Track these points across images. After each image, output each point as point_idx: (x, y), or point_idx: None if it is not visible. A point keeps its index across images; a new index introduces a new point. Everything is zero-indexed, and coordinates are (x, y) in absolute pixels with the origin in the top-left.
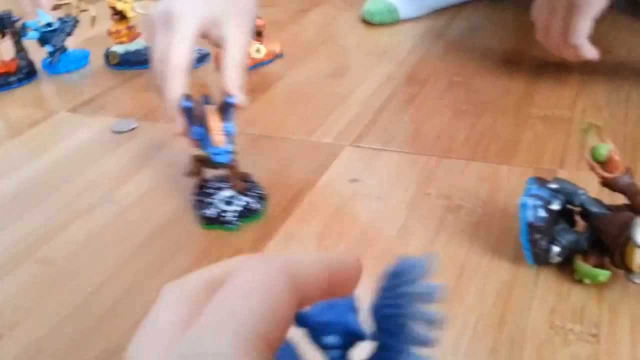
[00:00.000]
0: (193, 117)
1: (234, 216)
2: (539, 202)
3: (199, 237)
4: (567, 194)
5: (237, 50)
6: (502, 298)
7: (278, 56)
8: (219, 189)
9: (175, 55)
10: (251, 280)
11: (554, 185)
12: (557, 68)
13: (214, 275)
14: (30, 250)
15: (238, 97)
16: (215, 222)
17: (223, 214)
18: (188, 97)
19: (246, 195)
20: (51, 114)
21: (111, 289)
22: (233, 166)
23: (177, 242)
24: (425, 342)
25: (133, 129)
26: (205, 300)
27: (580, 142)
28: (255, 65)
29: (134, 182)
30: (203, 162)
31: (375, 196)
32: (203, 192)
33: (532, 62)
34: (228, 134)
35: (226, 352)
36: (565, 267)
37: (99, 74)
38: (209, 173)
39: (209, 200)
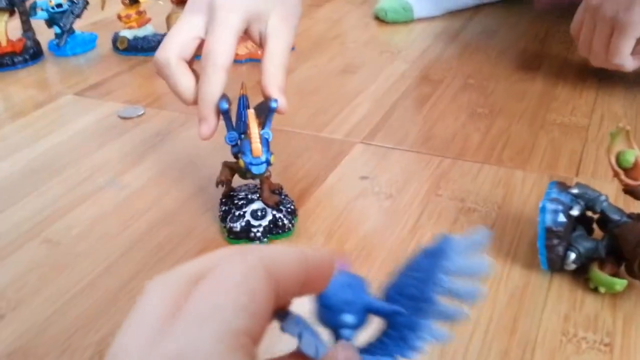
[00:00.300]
0: (229, 120)
1: (262, 232)
2: (559, 207)
3: (204, 226)
4: (588, 200)
5: (279, 47)
6: (514, 302)
7: None
8: (250, 201)
9: (218, 50)
10: (232, 275)
11: (575, 191)
12: (575, 76)
13: (197, 270)
14: (35, 231)
15: (280, 100)
16: (242, 236)
17: (251, 229)
18: (226, 98)
19: (276, 209)
20: (56, 97)
21: (116, 273)
22: (267, 177)
23: (182, 230)
24: (451, 317)
25: (140, 115)
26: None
27: (607, 147)
28: None
29: (140, 168)
30: (235, 170)
31: (385, 194)
32: (232, 203)
33: (549, 68)
34: (267, 142)
35: (212, 348)
36: (579, 274)
37: (105, 59)
38: (238, 181)
39: (238, 212)
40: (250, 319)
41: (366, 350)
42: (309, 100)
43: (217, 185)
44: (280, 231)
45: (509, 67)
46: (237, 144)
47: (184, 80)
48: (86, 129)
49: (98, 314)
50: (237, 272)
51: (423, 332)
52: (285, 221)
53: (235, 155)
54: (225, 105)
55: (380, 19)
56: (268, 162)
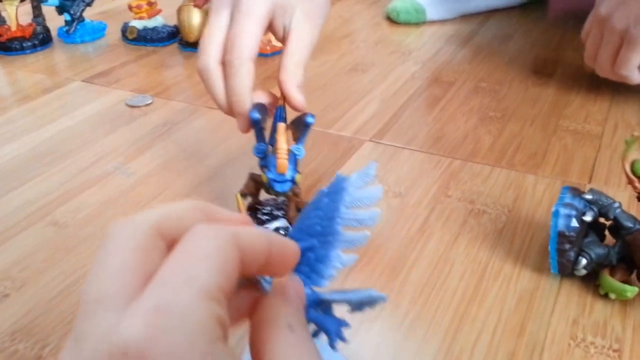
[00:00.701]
0: (260, 131)
1: None
2: (572, 212)
3: None
4: (602, 206)
5: (301, 44)
6: (523, 305)
7: None
8: (275, 217)
9: (243, 41)
10: (208, 244)
11: (588, 196)
12: (589, 83)
13: (163, 221)
14: (41, 213)
15: (297, 98)
16: None
17: None
18: (261, 107)
19: None
20: (64, 83)
21: None
22: (295, 195)
23: None
24: (356, 243)
25: (148, 104)
26: (155, 247)
27: (622, 154)
28: (274, 53)
29: (147, 156)
30: (260, 184)
31: (394, 193)
32: (255, 217)
33: (563, 75)
34: (295, 159)
35: (190, 301)
36: (589, 280)
37: (114, 48)
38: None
39: (262, 228)
40: (223, 281)
41: None
42: (318, 97)
43: (241, 196)
44: None
45: (522, 72)
46: (264, 157)
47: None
48: (94, 115)
49: None
50: (213, 243)
51: (332, 261)
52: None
53: (262, 169)
54: (256, 115)
55: (391, 20)
56: (293, 181)
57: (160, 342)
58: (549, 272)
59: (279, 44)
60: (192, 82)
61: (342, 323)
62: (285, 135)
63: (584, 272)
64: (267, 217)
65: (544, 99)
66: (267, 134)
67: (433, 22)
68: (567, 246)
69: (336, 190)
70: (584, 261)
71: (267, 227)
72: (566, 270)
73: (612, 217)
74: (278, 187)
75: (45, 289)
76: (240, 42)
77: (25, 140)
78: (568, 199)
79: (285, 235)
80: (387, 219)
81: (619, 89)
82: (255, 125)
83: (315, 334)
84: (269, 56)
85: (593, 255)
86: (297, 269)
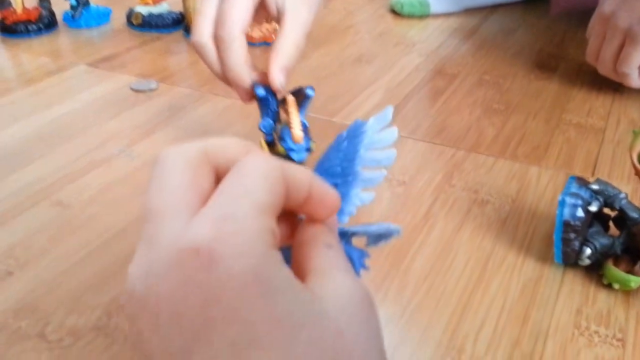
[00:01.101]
0: (266, 107)
1: None
2: (578, 202)
3: None
4: (608, 197)
5: (293, 26)
6: (527, 294)
7: None
8: None
9: (234, 16)
10: (262, 167)
11: (595, 186)
12: (592, 79)
13: (210, 149)
14: (45, 194)
15: (278, 78)
16: None
17: None
18: (264, 85)
19: None
20: (69, 66)
21: (128, 238)
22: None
23: None
24: (374, 182)
25: (153, 89)
26: (205, 170)
27: (630, 145)
28: None
29: (152, 140)
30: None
31: (398, 181)
32: None
33: (566, 70)
34: (306, 129)
35: (249, 212)
36: (592, 271)
37: (119, 33)
38: None
39: None
40: (274, 200)
41: None
42: (322, 86)
43: None
44: None
45: (525, 66)
46: (271, 133)
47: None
48: (98, 99)
49: (108, 277)
50: (265, 169)
51: (352, 199)
52: None
53: (269, 144)
54: (262, 92)
55: (395, 12)
56: (309, 149)
57: (226, 242)
58: (552, 262)
59: None
60: (197, 69)
61: (364, 253)
62: (296, 107)
63: (587, 262)
64: None
65: (547, 93)
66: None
67: (437, 15)
68: (572, 235)
69: (355, 133)
70: (588, 251)
71: None
72: (570, 260)
73: (617, 207)
74: (296, 157)
75: (49, 267)
76: (230, 17)
77: (29, 122)
78: (574, 188)
79: None
80: (391, 206)
81: (622, 85)
82: (261, 102)
83: None
84: None
85: (597, 245)
86: None
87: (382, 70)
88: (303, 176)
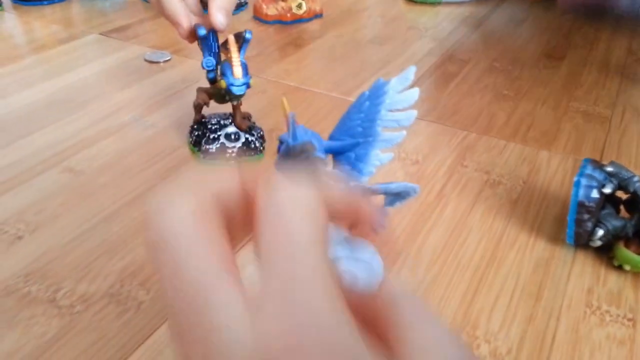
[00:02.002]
0: (207, 46)
1: (236, 153)
2: (593, 183)
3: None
4: (622, 179)
5: None
6: (539, 273)
7: (317, 16)
8: (224, 126)
9: None
10: (300, 206)
11: (609, 169)
12: (598, 69)
13: (223, 189)
14: (56, 159)
15: (220, 19)
16: (217, 157)
17: (226, 151)
18: (202, 25)
19: (249, 133)
20: (81, 35)
21: (141, 205)
22: (239, 105)
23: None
24: (393, 142)
25: (166, 60)
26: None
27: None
28: (294, 21)
29: (165, 111)
30: (210, 94)
31: (412, 161)
32: (205, 128)
33: (573, 60)
34: (246, 67)
35: (321, 305)
36: (601, 252)
37: (131, 5)
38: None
39: (213, 136)
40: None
41: None
42: (336, 66)
43: (194, 107)
44: (252, 153)
45: (534, 55)
46: (213, 70)
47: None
48: (111, 68)
49: (121, 244)
50: (304, 203)
51: (372, 160)
52: (257, 144)
53: (211, 81)
54: (203, 31)
55: None
56: (247, 85)
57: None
58: (563, 243)
59: (299, 12)
60: None
61: (383, 211)
62: (236, 45)
63: (599, 243)
64: (216, 127)
65: (555, 81)
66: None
67: (448, 3)
68: (586, 216)
69: (377, 94)
70: (600, 232)
71: (219, 135)
72: (582, 241)
73: (631, 190)
74: (236, 90)
75: (61, 233)
76: None
77: (41, 88)
78: (589, 170)
79: (236, 139)
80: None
81: (627, 76)
82: (203, 41)
83: None
84: (289, 24)
85: (610, 227)
86: (339, 167)
87: (395, 53)
88: (343, 200)
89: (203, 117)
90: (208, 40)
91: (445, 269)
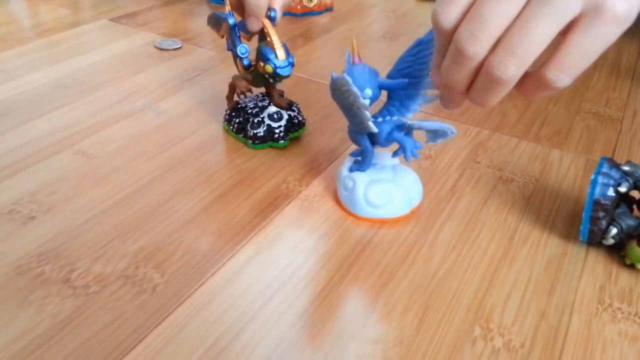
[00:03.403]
0: (237, 34)
1: (283, 132)
2: (610, 181)
3: (243, 159)
4: (638, 179)
5: None
6: (551, 269)
7: (328, 9)
8: (263, 107)
9: None
10: None
11: (626, 168)
12: (609, 71)
13: None
14: (69, 142)
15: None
16: (267, 140)
17: (274, 131)
18: (232, 13)
19: (289, 109)
20: (90, 20)
21: (154, 190)
22: (274, 85)
23: (221, 160)
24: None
25: (177, 48)
26: None
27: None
28: (305, 14)
29: (177, 98)
30: (249, 80)
31: (424, 155)
32: (245, 113)
33: None
34: (285, 47)
35: None
36: (613, 251)
37: None
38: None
39: (257, 119)
40: None
41: (376, 116)
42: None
43: (239, 95)
44: (297, 127)
45: (545, 53)
46: (247, 56)
47: None
48: (122, 53)
49: (135, 226)
50: None
51: (418, 99)
52: (300, 118)
53: (246, 67)
54: (233, 20)
55: None
56: (292, 64)
57: None
58: (575, 241)
59: (310, 5)
60: None
61: (417, 144)
62: (273, 28)
63: (612, 241)
64: (256, 110)
65: None
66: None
67: None
68: (601, 214)
69: (427, 40)
70: (614, 230)
71: (263, 117)
72: (595, 239)
73: None
74: (284, 72)
75: (74, 215)
76: None
77: (50, 71)
78: (606, 168)
79: (279, 117)
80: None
81: (638, 80)
82: (233, 29)
83: (395, 153)
84: (299, 16)
85: (624, 226)
86: (390, 103)
87: (406, 48)
88: None
89: (237, 103)
90: (236, 28)
91: (460, 262)
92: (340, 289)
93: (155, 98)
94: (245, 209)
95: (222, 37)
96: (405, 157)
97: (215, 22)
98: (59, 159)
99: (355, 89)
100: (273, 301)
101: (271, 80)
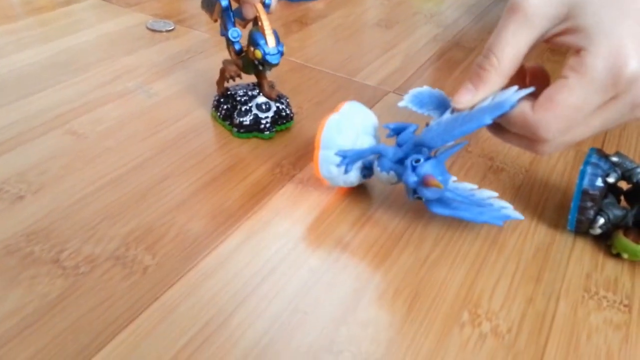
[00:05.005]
0: (230, 17)
1: (270, 123)
2: (598, 172)
3: (236, 143)
4: (626, 170)
5: None
6: (539, 257)
7: None
8: (253, 97)
9: None
10: None
11: (614, 159)
12: None
13: None
14: (59, 122)
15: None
16: (252, 129)
17: (260, 121)
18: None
19: (279, 102)
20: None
21: (145, 172)
22: (264, 75)
23: (213, 144)
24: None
25: (170, 30)
26: None
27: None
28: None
29: (169, 80)
30: (238, 65)
31: None
32: (234, 100)
33: None
34: (276, 34)
35: None
36: (600, 240)
37: None
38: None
39: (245, 108)
40: None
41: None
42: (342, 46)
43: (227, 80)
44: (284, 121)
45: (537, 48)
46: (239, 41)
47: None
48: (112, 33)
49: (126, 208)
50: None
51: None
52: (288, 111)
53: (237, 52)
54: (226, 2)
55: None
56: (282, 52)
57: None
58: (563, 229)
59: None
60: None
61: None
62: (266, 14)
63: (599, 231)
64: (245, 98)
65: (558, 74)
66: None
67: None
68: (589, 204)
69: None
70: (601, 220)
71: (251, 106)
72: (582, 228)
73: (634, 180)
74: (272, 59)
75: (64, 195)
76: None
77: (40, 50)
78: (595, 159)
79: (268, 108)
80: None
81: None
82: (225, 12)
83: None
84: (294, 1)
85: (611, 216)
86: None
87: (401, 37)
88: None
89: (227, 89)
90: (229, 11)
91: (449, 249)
92: (331, 273)
93: (146, 80)
94: (238, 192)
95: (215, 21)
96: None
97: (209, 4)
98: (48, 139)
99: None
100: (264, 285)
101: (260, 67)
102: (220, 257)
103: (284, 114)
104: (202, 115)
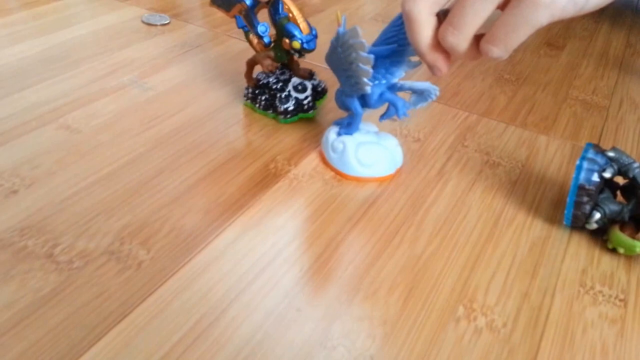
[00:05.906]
0: (255, 15)
1: (311, 101)
2: (594, 167)
3: (230, 138)
4: (622, 165)
5: None
6: (535, 251)
7: None
8: (286, 80)
9: None
10: None
11: (611, 154)
12: (597, 60)
13: None
14: (52, 116)
15: None
16: (297, 112)
17: (302, 103)
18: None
19: (312, 79)
20: None
21: (139, 167)
22: (293, 57)
23: (208, 139)
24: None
25: (165, 24)
26: None
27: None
28: None
29: (165, 74)
30: (272, 57)
31: (414, 138)
32: (269, 89)
33: (573, 49)
34: (307, 21)
35: None
36: (596, 235)
37: None
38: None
39: (284, 94)
40: None
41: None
42: None
43: (269, 72)
44: (321, 95)
45: (535, 41)
46: (265, 35)
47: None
48: (107, 27)
49: (120, 203)
50: None
51: (403, 65)
52: (323, 85)
53: (267, 45)
54: (250, 1)
55: None
56: (316, 36)
57: None
58: (559, 225)
59: None
60: (211, 10)
61: (407, 104)
62: (294, 4)
63: (595, 226)
64: (281, 84)
65: (555, 69)
66: None
67: None
68: (585, 199)
69: None
70: (597, 215)
71: (289, 91)
72: (578, 223)
73: (630, 176)
74: (310, 45)
75: (58, 189)
76: None
77: (34, 43)
78: (591, 154)
79: (304, 88)
80: (406, 160)
81: (625, 68)
82: (250, 10)
83: (383, 116)
84: None
85: (607, 211)
86: (376, 70)
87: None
88: None
89: (257, 80)
90: (254, 9)
91: (445, 243)
92: (327, 268)
93: (142, 74)
94: (232, 187)
95: (232, 17)
96: (398, 115)
97: (225, 2)
98: (42, 133)
99: (364, 40)
100: (259, 280)
101: (297, 56)
102: (214, 252)
103: (319, 89)
104: (197, 109)
